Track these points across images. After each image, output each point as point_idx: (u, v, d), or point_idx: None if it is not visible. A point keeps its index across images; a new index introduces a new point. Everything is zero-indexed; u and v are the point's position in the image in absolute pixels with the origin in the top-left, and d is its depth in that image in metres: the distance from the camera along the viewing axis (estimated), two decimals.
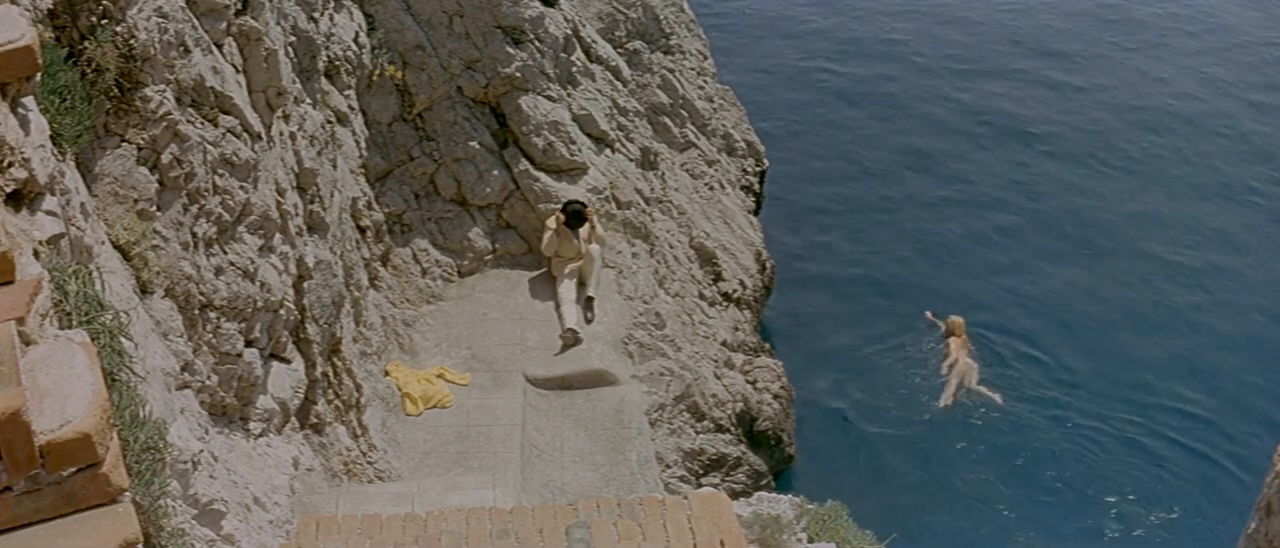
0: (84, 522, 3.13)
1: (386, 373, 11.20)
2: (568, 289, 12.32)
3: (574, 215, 12.45)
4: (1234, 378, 14.63)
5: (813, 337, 15.36)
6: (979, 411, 14.10)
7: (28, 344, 3.34)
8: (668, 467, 11.62)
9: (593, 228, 12.56)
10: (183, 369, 6.72)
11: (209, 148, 7.28)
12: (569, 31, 13.40)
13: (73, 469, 3.11)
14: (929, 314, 15.46)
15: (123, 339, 4.44)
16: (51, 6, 5.87)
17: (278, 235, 8.26)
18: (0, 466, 3.01)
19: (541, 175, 12.86)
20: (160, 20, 6.70)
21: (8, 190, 4.17)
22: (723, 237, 14.32)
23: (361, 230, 11.65)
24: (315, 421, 9.08)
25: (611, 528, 6.17)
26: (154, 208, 6.74)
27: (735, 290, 13.97)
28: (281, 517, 7.35)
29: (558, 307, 12.25)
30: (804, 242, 16.98)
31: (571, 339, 11.91)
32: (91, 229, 5.65)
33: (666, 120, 14.74)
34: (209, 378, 7.25)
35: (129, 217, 6.45)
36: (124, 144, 6.53)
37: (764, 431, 12.91)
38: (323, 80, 10.62)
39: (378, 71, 12.14)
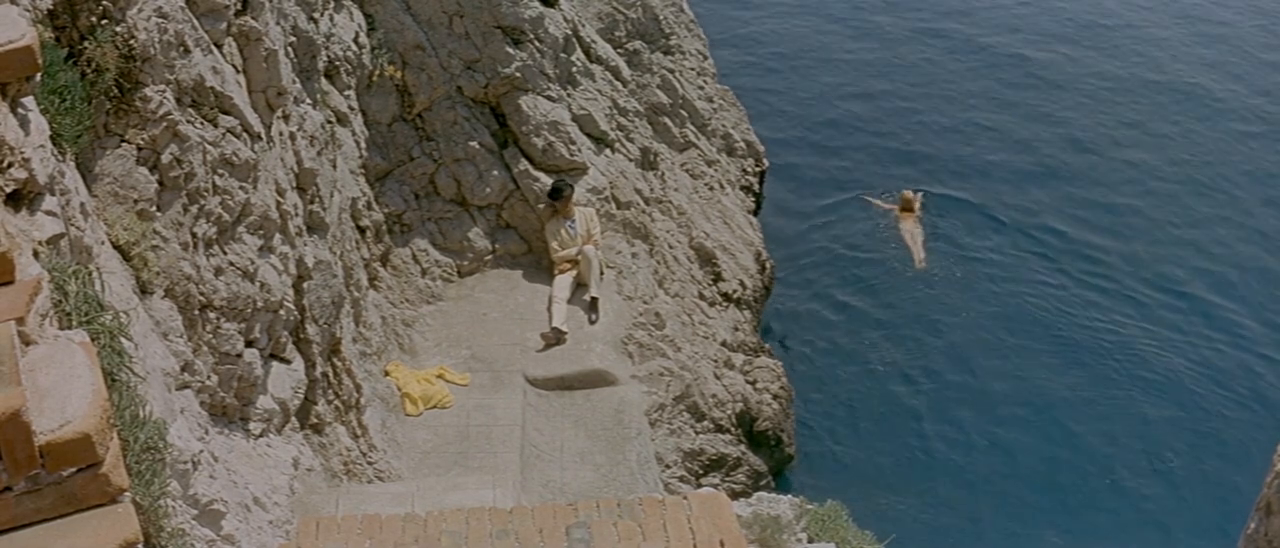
0: (84, 522, 3.14)
1: (386, 373, 11.20)
2: (562, 289, 12.32)
3: (555, 191, 12.49)
4: (1237, 370, 14.64)
5: (813, 337, 15.37)
6: (981, 409, 14.10)
7: (28, 344, 3.34)
8: (668, 467, 11.62)
9: (590, 230, 12.58)
10: (183, 369, 6.72)
11: (209, 148, 7.28)
12: (569, 32, 13.40)
13: (73, 469, 3.12)
14: (873, 199, 16.89)
15: (123, 339, 4.44)
16: (51, 6, 5.87)
17: (278, 235, 8.25)
18: (0, 465, 3.02)
19: (541, 175, 12.86)
20: (160, 20, 6.70)
21: (8, 190, 4.17)
22: (723, 237, 14.32)
23: (361, 230, 11.65)
24: (315, 421, 9.08)
25: (611, 528, 6.17)
26: (154, 208, 6.74)
27: (735, 290, 13.96)
28: (281, 517, 7.35)
29: (549, 305, 12.25)
30: (804, 242, 16.98)
31: (553, 339, 11.91)
32: (91, 229, 5.65)
33: (666, 120, 14.73)
34: (209, 378, 7.25)
35: (129, 217, 6.45)
36: (124, 144, 6.53)
37: (764, 431, 12.91)
38: (323, 80, 10.61)
39: (378, 71, 12.13)
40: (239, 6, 7.92)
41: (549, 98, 12.99)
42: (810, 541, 7.30)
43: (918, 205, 17.22)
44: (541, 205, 12.75)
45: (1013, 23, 23.56)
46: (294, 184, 8.90)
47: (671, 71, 14.97)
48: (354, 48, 11.53)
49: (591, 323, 12.17)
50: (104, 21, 6.20)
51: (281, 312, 8.25)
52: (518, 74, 12.74)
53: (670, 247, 13.59)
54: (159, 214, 6.80)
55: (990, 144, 19.44)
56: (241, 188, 7.68)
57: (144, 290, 6.51)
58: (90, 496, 3.15)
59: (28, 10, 5.51)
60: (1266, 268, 16.52)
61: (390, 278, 12.30)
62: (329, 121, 10.64)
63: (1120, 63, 21.92)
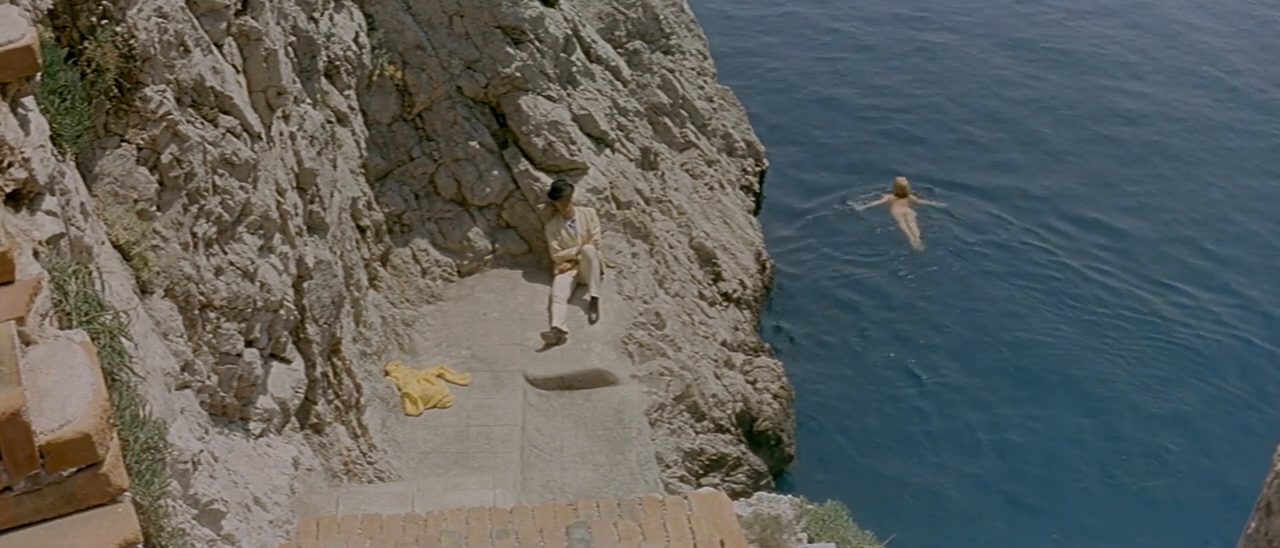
0: (84, 522, 3.14)
1: (386, 373, 11.20)
2: (562, 288, 12.32)
3: (554, 191, 12.50)
4: (1238, 368, 14.63)
5: (813, 337, 15.36)
6: (982, 407, 14.10)
7: (28, 344, 3.34)
8: (668, 467, 11.62)
9: (590, 229, 12.58)
10: (183, 369, 6.72)
11: (209, 148, 7.28)
12: (569, 31, 13.40)
13: (73, 469, 3.12)
14: (860, 203, 17.26)
15: (123, 339, 4.44)
16: (51, 6, 5.87)
17: (278, 235, 8.26)
18: (0, 466, 3.02)
19: (541, 175, 12.86)
20: (160, 20, 6.70)
21: (8, 190, 4.17)
22: (723, 237, 14.32)
23: (361, 230, 11.65)
24: (315, 421, 9.08)
25: (611, 528, 6.17)
26: (154, 208, 6.74)
27: (735, 290, 13.97)
28: (281, 517, 7.35)
29: (549, 305, 12.26)
30: (804, 242, 16.97)
31: (553, 338, 11.91)
32: (91, 229, 5.65)
33: (666, 120, 14.74)
34: (209, 378, 7.25)
35: (129, 217, 6.45)
36: (124, 144, 6.53)
37: (764, 430, 12.91)
38: (323, 80, 10.62)
39: (378, 71, 12.14)
40: (239, 6, 7.92)
41: (549, 98, 12.99)
42: (810, 541, 7.29)
43: (912, 191, 17.44)
44: (541, 205, 12.75)
45: (1013, 21, 23.56)
46: (294, 184, 8.90)
47: (671, 71, 14.98)
48: (354, 48, 11.53)
49: (591, 323, 12.18)
50: (104, 21, 6.20)
51: (281, 312, 8.25)
52: (518, 74, 12.74)
53: (670, 247, 13.59)
54: (159, 214, 6.80)
55: (991, 140, 19.42)
56: (241, 188, 7.68)
57: (144, 290, 6.51)
58: (90, 496, 3.15)
59: (28, 10, 5.51)
60: (1271, 265, 16.50)
61: (390, 278, 12.30)
62: (329, 121, 10.64)
63: (1121, 57, 21.92)
